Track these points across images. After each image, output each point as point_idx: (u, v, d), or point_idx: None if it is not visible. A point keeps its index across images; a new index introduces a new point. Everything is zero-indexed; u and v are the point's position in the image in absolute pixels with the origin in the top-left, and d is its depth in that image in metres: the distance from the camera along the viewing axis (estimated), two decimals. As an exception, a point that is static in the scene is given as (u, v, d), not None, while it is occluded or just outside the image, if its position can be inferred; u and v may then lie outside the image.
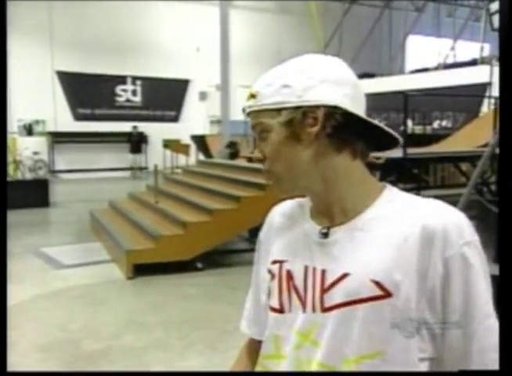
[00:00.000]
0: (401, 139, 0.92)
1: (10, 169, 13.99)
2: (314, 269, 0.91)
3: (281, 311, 0.95)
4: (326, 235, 0.91)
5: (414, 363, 0.84)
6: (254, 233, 6.02)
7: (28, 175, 13.39)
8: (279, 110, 0.88)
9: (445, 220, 0.84)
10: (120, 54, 16.72)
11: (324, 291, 0.89)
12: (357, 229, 0.89)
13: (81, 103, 16.80)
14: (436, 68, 16.42)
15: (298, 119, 0.87)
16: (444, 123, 14.04)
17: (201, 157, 13.61)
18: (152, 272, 5.49)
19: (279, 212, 1.05)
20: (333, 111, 0.86)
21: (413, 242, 0.84)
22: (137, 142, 16.93)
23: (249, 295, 1.11)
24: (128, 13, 16.67)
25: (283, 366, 0.93)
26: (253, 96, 0.92)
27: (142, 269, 5.49)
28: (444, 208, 0.87)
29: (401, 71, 19.06)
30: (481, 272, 0.84)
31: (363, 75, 17.21)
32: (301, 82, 0.87)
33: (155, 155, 15.84)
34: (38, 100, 15.76)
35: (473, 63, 14.63)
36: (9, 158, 14.23)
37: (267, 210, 1.09)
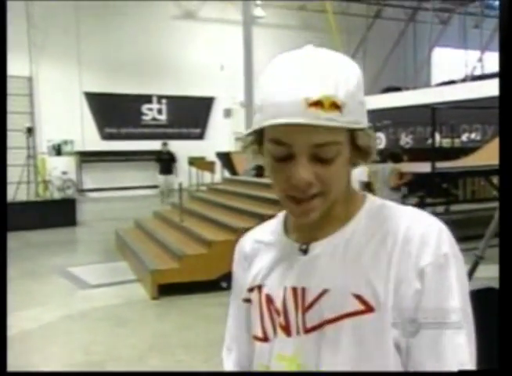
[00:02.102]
0: None
1: (40, 189, 14.31)
2: (294, 289, 0.84)
3: (266, 339, 0.88)
4: (305, 251, 0.85)
5: None
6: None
7: (57, 195, 13.67)
8: (353, 130, 0.78)
9: (424, 229, 0.80)
10: (146, 74, 16.96)
11: (305, 310, 0.83)
12: (338, 243, 0.83)
13: (107, 122, 17.07)
14: (463, 80, 16.15)
15: (367, 141, 0.80)
16: (473, 136, 13.74)
17: (227, 174, 13.61)
18: (177, 292, 5.43)
19: (250, 239, 0.97)
20: None
21: (394, 252, 0.79)
22: (168, 162, 14.35)
23: (232, 336, 1.02)
24: (154, 34, 16.95)
25: None
26: (336, 107, 0.73)
27: (166, 289, 5.44)
28: (424, 218, 0.83)
29: (427, 84, 18.82)
30: (456, 284, 0.78)
31: (389, 89, 17.08)
32: (365, 100, 0.81)
33: (181, 173, 15.93)
34: (67, 121, 16.08)
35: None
36: (39, 178, 14.56)
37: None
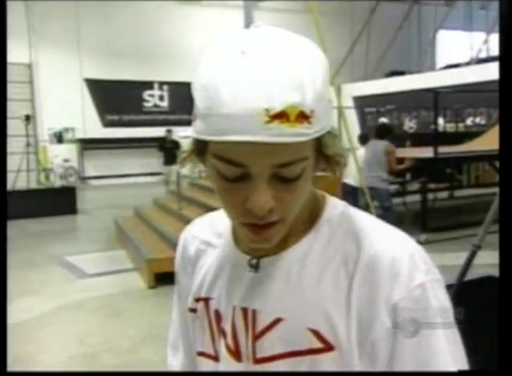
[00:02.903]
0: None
1: (42, 177, 14.27)
2: (244, 310, 0.73)
3: (216, 358, 0.77)
4: (256, 268, 0.73)
5: None
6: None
7: (59, 183, 13.62)
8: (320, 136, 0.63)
9: (393, 255, 0.66)
10: (147, 60, 16.81)
11: (256, 337, 0.72)
12: (293, 260, 0.71)
13: (109, 109, 16.96)
14: (468, 63, 15.90)
15: (334, 146, 0.66)
16: (477, 120, 13.56)
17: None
18: (173, 282, 5.37)
19: (193, 236, 0.85)
20: None
21: (356, 280, 0.67)
22: (172, 151, 12.46)
23: (179, 333, 0.91)
24: (154, 19, 16.76)
25: None
26: (304, 117, 0.58)
27: (164, 278, 5.38)
28: (391, 238, 0.70)
29: (431, 68, 18.56)
30: (438, 318, 0.65)
31: (392, 73, 16.85)
32: (330, 95, 0.65)
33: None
34: (68, 108, 15.98)
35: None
36: (40, 166, 14.52)
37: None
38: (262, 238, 0.67)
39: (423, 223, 7.54)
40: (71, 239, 8.35)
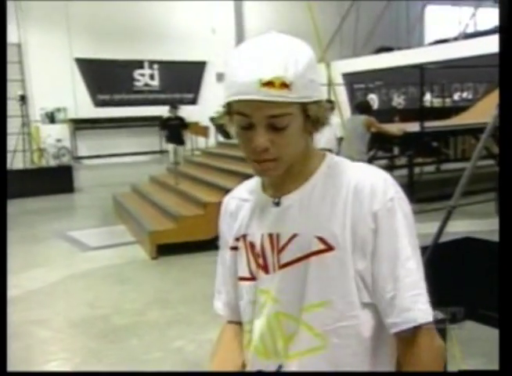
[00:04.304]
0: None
1: (35, 157, 14.38)
2: (270, 235, 1.04)
3: (252, 278, 1.07)
4: (278, 204, 1.04)
5: (357, 306, 0.98)
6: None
7: (52, 162, 13.75)
8: (305, 103, 0.94)
9: (372, 180, 0.99)
10: (137, 38, 16.77)
11: (279, 251, 1.03)
12: (303, 195, 1.02)
13: (100, 89, 16.97)
14: (456, 38, 16.07)
15: (317, 112, 0.97)
16: (464, 95, 13.80)
17: (220, 138, 13.67)
18: (174, 252, 5.66)
19: (232, 198, 1.17)
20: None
21: (348, 200, 0.98)
22: (177, 128, 11.56)
23: (221, 281, 1.20)
24: (143, -3, 16.66)
25: (257, 324, 1.07)
26: (285, 86, 0.90)
27: (165, 249, 5.66)
28: (372, 170, 1.03)
29: (420, 44, 18.70)
30: (403, 222, 0.97)
31: (381, 49, 16.98)
32: (318, 78, 0.98)
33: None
34: (59, 88, 15.97)
35: (495, 31, 14.23)
36: (33, 146, 14.61)
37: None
38: (262, 169, 0.99)
39: (410, 195, 7.81)
40: (71, 215, 8.59)
